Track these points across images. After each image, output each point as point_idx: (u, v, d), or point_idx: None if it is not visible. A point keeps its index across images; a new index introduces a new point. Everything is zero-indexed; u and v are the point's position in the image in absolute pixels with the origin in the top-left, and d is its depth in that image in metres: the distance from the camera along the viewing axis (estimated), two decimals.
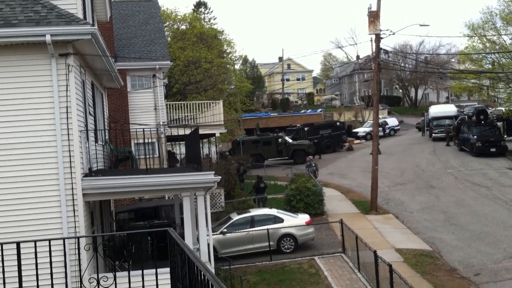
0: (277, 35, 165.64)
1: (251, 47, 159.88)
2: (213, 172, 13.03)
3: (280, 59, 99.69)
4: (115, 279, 6.67)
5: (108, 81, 17.85)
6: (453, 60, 77.13)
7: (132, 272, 7.04)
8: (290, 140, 45.54)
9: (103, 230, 15.93)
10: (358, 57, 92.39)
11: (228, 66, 52.72)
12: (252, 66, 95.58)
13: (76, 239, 10.14)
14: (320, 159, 43.33)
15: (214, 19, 68.33)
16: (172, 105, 29.99)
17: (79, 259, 9.41)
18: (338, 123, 52.65)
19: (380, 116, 38.54)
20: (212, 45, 46.90)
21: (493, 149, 37.86)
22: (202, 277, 4.28)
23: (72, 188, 11.30)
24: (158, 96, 26.73)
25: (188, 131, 19.17)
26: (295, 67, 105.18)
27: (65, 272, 7.35)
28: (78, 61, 12.28)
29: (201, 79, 42.78)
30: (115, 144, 19.65)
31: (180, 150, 33.70)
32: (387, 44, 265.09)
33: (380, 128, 42.91)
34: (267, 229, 21.31)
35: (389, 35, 27.56)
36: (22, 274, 6.54)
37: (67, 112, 11.31)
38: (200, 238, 13.26)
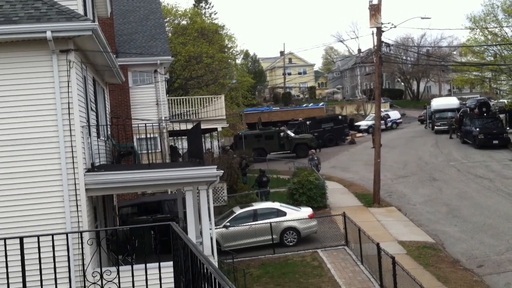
0: (278, 30, 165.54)
1: (252, 41, 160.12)
2: (216, 167, 13.04)
3: (282, 53, 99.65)
4: (118, 273, 6.70)
5: (110, 76, 17.89)
6: (455, 52, 76.98)
7: (135, 266, 7.07)
8: (292, 134, 45.52)
9: (106, 225, 15.99)
10: (359, 50, 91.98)
11: (229, 60, 52.66)
12: (254, 60, 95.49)
13: (79, 233, 10.18)
14: (320, 152, 43.27)
15: (215, 14, 68.19)
16: (174, 100, 30.03)
17: (83, 254, 9.45)
18: (340, 117, 52.61)
19: (382, 109, 38.46)
20: (213, 40, 46.84)
21: (495, 141, 37.85)
22: (205, 271, 4.29)
23: (75, 183, 11.34)
24: (159, 91, 26.75)
25: (190, 126, 19.21)
26: (296, 61, 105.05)
27: (69, 266, 7.37)
28: (79, 57, 12.29)
29: (203, 74, 42.77)
30: (117, 140, 19.69)
31: (182, 145, 33.72)
32: (388, 37, 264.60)
33: (382, 121, 42.84)
34: (270, 223, 21.36)
35: (391, 28, 27.39)
36: (26, 269, 6.58)
37: (68, 108, 11.34)
38: (203, 232, 13.30)
